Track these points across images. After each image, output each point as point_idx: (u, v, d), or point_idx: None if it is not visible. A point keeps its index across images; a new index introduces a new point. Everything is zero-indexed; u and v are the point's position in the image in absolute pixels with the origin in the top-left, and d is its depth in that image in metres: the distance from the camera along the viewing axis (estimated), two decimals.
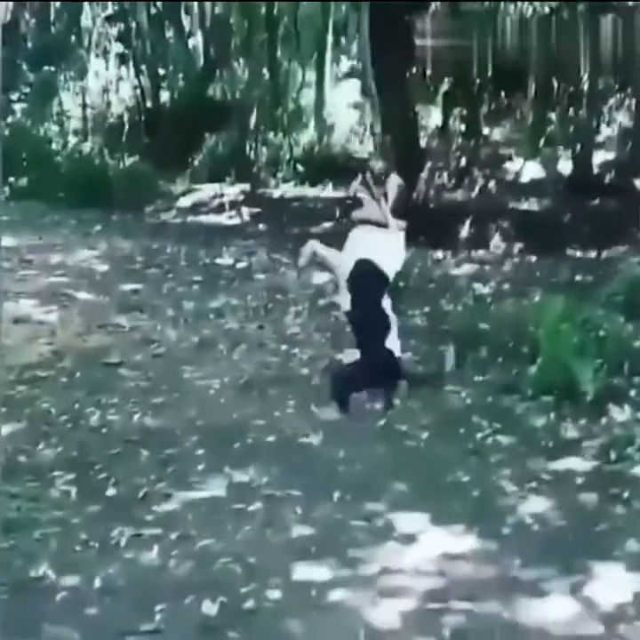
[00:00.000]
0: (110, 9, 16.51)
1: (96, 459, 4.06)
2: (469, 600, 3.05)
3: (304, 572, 3.22)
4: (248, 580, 3.14)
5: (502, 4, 13.00)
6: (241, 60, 16.54)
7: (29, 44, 16.10)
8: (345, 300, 4.16)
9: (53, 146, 13.50)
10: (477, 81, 13.51)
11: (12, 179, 11.83)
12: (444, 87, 13.81)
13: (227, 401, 4.92)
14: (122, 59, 17.10)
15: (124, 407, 4.73)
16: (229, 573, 3.19)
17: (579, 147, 12.48)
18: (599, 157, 12.76)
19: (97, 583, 3.08)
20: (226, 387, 5.15)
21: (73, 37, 16.25)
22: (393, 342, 4.61)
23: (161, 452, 4.19)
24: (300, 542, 3.42)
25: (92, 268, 8.11)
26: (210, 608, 2.96)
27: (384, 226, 4.09)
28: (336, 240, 4.92)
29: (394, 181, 4.21)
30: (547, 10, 13.01)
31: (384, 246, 4.19)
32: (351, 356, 4.25)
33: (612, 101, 13.99)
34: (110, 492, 3.77)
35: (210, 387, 5.14)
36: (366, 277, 4.15)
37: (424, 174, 11.27)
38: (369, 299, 4.20)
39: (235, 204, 12.35)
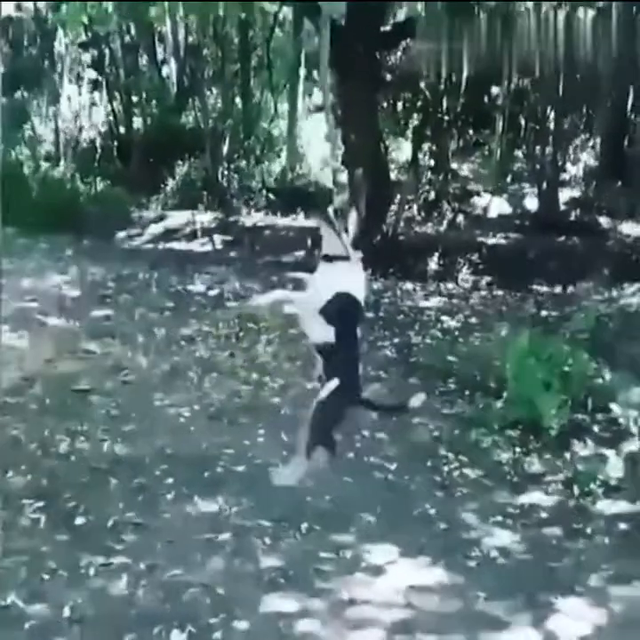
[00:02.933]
0: (83, 36, 16.57)
1: (65, 487, 4.05)
2: (436, 632, 3.11)
3: (272, 603, 3.24)
4: (216, 610, 3.16)
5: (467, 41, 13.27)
6: (214, 89, 16.70)
7: (2, 68, 16.08)
8: (323, 334, 4.21)
9: (25, 170, 13.47)
10: (446, 117, 13.78)
11: None
12: (414, 122, 14.06)
13: (197, 429, 4.94)
14: (95, 85, 17.17)
15: (94, 435, 4.72)
16: (198, 604, 3.21)
17: (545, 184, 12.76)
18: (565, 195, 13.06)
19: (66, 612, 3.08)
20: (196, 415, 5.16)
21: (46, 62, 16.27)
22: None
23: (130, 480, 4.19)
24: (269, 573, 3.44)
25: (62, 293, 8.09)
26: (178, 638, 2.98)
27: (346, 258, 4.18)
28: (307, 269, 5.01)
29: (353, 215, 4.32)
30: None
31: (352, 278, 4.28)
32: (330, 385, 4.28)
33: (577, 141, 14.36)
34: (79, 520, 3.76)
35: (180, 415, 5.15)
36: (347, 309, 4.24)
37: (394, 207, 11.44)
38: (350, 330, 4.28)
39: (207, 232, 12.41)
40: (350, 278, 4.22)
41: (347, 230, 4.16)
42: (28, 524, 3.69)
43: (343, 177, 12.86)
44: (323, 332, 4.15)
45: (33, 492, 3.97)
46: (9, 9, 14.59)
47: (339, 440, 4.20)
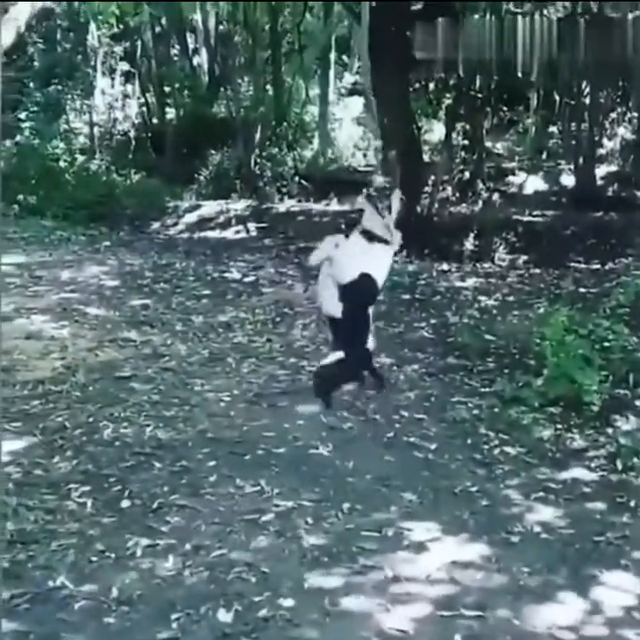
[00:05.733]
0: (116, 28, 16.69)
1: (110, 471, 4.12)
2: (480, 607, 3.11)
3: (316, 580, 3.27)
4: (262, 588, 3.20)
5: (505, 17, 13.09)
6: (245, 77, 16.71)
7: (36, 64, 16.26)
8: (333, 307, 4.28)
9: (61, 163, 13.64)
10: (480, 95, 13.62)
11: (21, 196, 11.95)
12: (447, 101, 13.93)
13: (237, 413, 4.98)
14: (127, 77, 17.28)
15: (137, 420, 4.79)
16: (243, 582, 3.25)
17: (581, 160, 12.58)
18: (602, 170, 12.86)
19: (114, 593, 3.14)
20: (236, 399, 5.21)
21: (79, 56, 16.42)
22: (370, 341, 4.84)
23: (173, 464, 4.25)
24: (312, 551, 3.47)
25: (101, 283, 8.20)
26: (225, 616, 3.02)
27: (385, 241, 4.16)
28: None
29: (397, 196, 4.30)
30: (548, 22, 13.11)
31: (382, 261, 4.28)
32: (333, 356, 4.45)
33: (613, 115, 14.10)
34: (125, 503, 3.83)
35: (220, 399, 5.20)
36: (363, 291, 4.27)
37: (428, 188, 11.38)
38: (360, 308, 4.34)
39: (241, 220, 12.47)
40: (380, 261, 4.22)
41: (390, 210, 4.14)
42: (75, 508, 3.76)
43: (362, 155, 12.82)
44: (333, 306, 4.22)
45: (79, 477, 4.05)
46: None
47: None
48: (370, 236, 4.17)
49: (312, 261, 4.85)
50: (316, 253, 4.81)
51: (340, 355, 4.35)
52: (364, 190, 4.32)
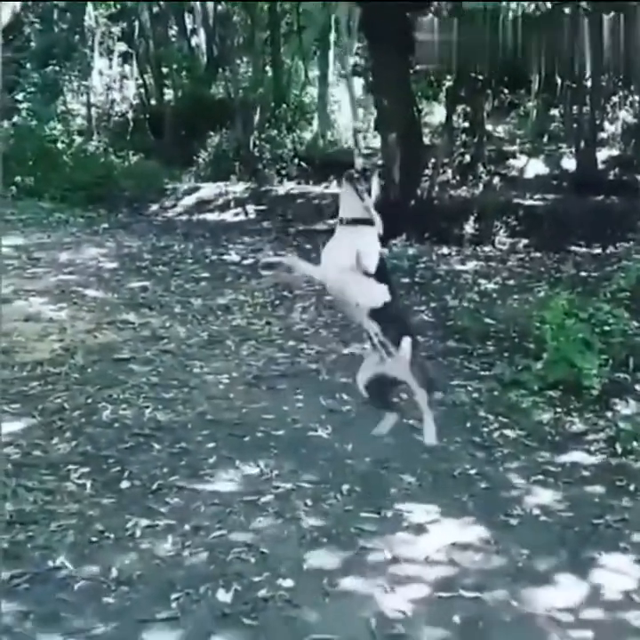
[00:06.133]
0: (113, 8, 16.57)
1: (109, 452, 4.12)
2: (478, 589, 3.12)
3: (316, 561, 3.28)
4: (261, 569, 3.20)
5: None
6: (244, 58, 16.59)
7: (33, 44, 16.14)
8: (378, 294, 4.05)
9: (59, 145, 13.57)
10: (480, 77, 13.53)
11: (18, 178, 11.91)
12: (447, 84, 13.85)
13: (236, 396, 4.98)
14: (125, 57, 17.18)
15: (136, 402, 4.79)
16: (243, 563, 3.25)
17: (582, 143, 12.52)
18: (603, 154, 12.80)
19: (114, 573, 3.14)
20: (235, 382, 5.21)
21: (76, 37, 16.31)
22: None
23: (173, 445, 4.24)
24: (311, 533, 3.48)
25: (100, 265, 8.17)
26: (224, 596, 3.03)
27: (369, 222, 4.07)
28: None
29: (376, 179, 4.20)
30: (549, 5, 13.05)
31: (373, 242, 4.18)
32: (405, 343, 4.15)
33: (615, 98, 14.03)
34: (124, 484, 3.82)
35: (219, 382, 5.20)
36: (385, 271, 4.16)
37: (428, 171, 11.33)
38: (394, 286, 4.21)
39: (240, 202, 12.42)
40: (373, 242, 4.12)
41: (369, 192, 4.07)
42: (74, 489, 3.75)
43: (362, 138, 12.72)
44: (378, 293, 4.02)
45: (78, 458, 4.05)
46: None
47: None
48: (357, 222, 4.07)
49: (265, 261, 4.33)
50: (327, 251, 4.24)
51: (409, 339, 4.16)
52: (345, 173, 4.20)
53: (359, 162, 4.67)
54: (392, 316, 4.10)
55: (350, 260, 3.95)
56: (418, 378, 4.13)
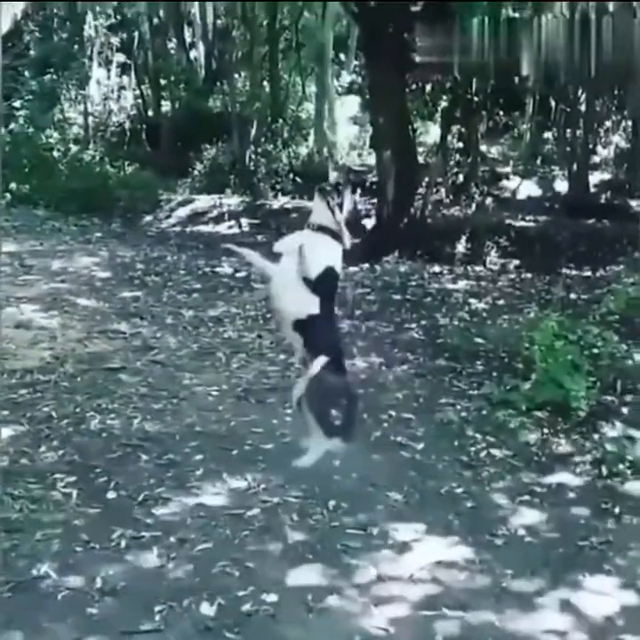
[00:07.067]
0: (113, 19, 16.65)
1: (97, 462, 4.11)
2: (462, 608, 3.12)
3: (300, 577, 3.27)
4: (245, 583, 3.20)
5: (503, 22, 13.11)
6: (242, 73, 16.69)
7: (32, 52, 16.20)
8: (305, 305, 4.02)
9: (55, 153, 13.60)
10: (476, 99, 13.65)
11: (13, 185, 11.91)
12: (443, 104, 13.96)
13: (225, 408, 4.98)
14: (123, 68, 17.24)
15: (124, 412, 4.78)
16: (227, 577, 3.25)
17: (575, 166, 12.63)
18: (595, 178, 12.92)
19: (98, 583, 3.13)
20: (224, 394, 5.21)
21: (75, 46, 16.37)
22: None
23: (160, 456, 4.24)
24: (296, 548, 3.48)
25: (92, 274, 8.17)
26: (208, 610, 3.02)
27: (338, 236, 4.06)
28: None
29: (348, 195, 4.19)
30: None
31: (339, 256, 4.17)
32: (317, 363, 4.05)
33: (608, 123, 14.18)
34: (111, 494, 3.82)
35: (209, 394, 5.20)
36: (331, 284, 4.13)
37: (421, 190, 11.40)
38: (332, 305, 4.18)
39: (234, 215, 12.46)
40: (338, 256, 4.11)
41: (341, 207, 4.07)
42: (60, 498, 3.74)
43: (338, 154, 12.67)
44: (305, 304, 3.94)
45: (65, 467, 4.03)
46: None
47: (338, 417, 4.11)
48: (323, 229, 4.07)
49: (279, 249, 4.17)
50: (284, 242, 4.23)
51: (324, 358, 4.02)
52: (317, 186, 4.21)
53: (333, 175, 4.67)
54: (317, 332, 4.00)
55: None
56: (314, 410, 3.94)
